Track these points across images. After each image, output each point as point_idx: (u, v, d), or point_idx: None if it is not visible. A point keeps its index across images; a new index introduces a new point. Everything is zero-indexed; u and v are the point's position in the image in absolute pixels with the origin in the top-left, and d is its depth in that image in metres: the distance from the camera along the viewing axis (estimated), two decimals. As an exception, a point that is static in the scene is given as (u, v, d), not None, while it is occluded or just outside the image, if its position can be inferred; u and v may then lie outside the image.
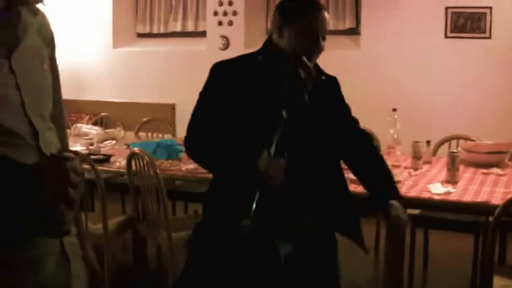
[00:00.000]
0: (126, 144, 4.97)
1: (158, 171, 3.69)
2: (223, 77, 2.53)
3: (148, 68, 7.12)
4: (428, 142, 4.29)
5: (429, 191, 3.41)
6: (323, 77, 2.64)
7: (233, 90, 2.48)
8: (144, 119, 6.03)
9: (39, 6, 1.56)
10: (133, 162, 3.84)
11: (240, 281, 2.48)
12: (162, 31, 7.42)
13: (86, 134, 5.33)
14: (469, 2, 5.78)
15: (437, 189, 3.41)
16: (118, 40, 7.41)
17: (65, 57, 5.50)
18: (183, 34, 7.28)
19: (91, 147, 4.77)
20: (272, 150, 2.32)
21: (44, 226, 1.40)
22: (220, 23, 6.81)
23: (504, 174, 3.88)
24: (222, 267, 2.48)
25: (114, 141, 5.18)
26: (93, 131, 5.53)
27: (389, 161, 4.21)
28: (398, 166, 4.11)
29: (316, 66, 2.62)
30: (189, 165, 3.98)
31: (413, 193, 3.40)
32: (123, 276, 4.38)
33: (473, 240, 4.11)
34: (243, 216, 2.32)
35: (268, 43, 2.59)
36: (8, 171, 1.35)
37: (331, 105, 2.65)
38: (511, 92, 5.67)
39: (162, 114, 6.48)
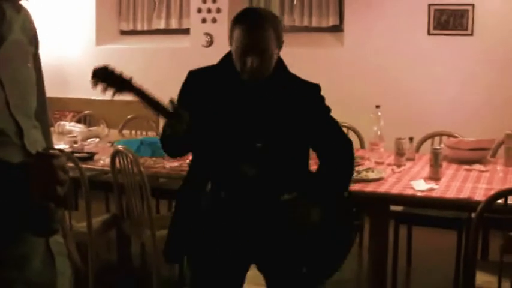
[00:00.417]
0: (110, 142, 4.95)
1: (142, 168, 3.68)
2: (192, 85, 2.62)
3: (132, 65, 7.05)
4: (411, 139, 4.30)
5: (412, 188, 3.42)
6: (287, 86, 2.58)
7: (199, 98, 2.56)
8: (128, 117, 6.00)
9: (22, 2, 1.55)
10: (117, 160, 3.83)
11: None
12: (145, 28, 7.39)
13: (70, 132, 5.30)
14: (452, -1, 5.82)
15: (420, 186, 3.43)
16: (101, 37, 7.37)
17: (48, 55, 5.44)
18: (167, 31, 7.26)
19: (75, 145, 4.74)
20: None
21: (33, 225, 1.40)
22: (204, 20, 6.80)
23: (486, 171, 3.91)
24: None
25: (97, 139, 5.15)
26: (77, 128, 5.50)
27: (373, 158, 4.25)
28: (381, 163, 4.13)
29: (288, 76, 2.60)
30: (173, 163, 3.97)
31: (396, 190, 3.42)
32: (107, 275, 4.37)
33: (456, 236, 4.14)
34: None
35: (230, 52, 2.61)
36: None
37: (299, 113, 2.57)
38: (493, 88, 5.71)
39: (146, 112, 6.37)
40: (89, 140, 5.07)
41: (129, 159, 3.73)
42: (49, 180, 1.34)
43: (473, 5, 5.73)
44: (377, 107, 4.39)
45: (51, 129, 1.86)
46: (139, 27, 7.43)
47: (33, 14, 1.65)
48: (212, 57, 2.75)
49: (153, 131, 5.87)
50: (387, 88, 5.98)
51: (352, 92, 6.02)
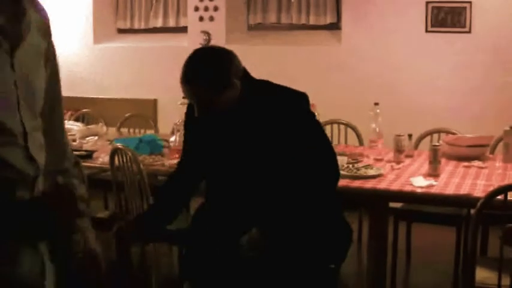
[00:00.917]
0: (108, 140, 4.95)
1: (141, 166, 3.68)
2: (187, 118, 2.81)
3: (130, 64, 7.09)
4: (410, 136, 4.31)
5: (411, 184, 3.43)
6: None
7: (192, 130, 2.79)
8: (126, 115, 6.00)
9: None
10: (116, 158, 3.83)
11: None
12: (143, 27, 7.37)
13: (68, 130, 5.28)
14: (449, -4, 5.82)
15: (419, 183, 3.43)
16: (99, 36, 7.36)
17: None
18: (164, 30, 7.25)
19: (73, 143, 4.74)
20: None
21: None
22: (201, 19, 6.79)
23: (485, 167, 3.92)
24: None
25: (96, 137, 5.15)
26: (75, 127, 5.49)
27: (372, 155, 4.25)
28: (380, 160, 4.14)
29: (256, 101, 2.57)
30: (171, 160, 3.97)
31: (395, 186, 3.42)
32: (106, 273, 4.36)
33: (456, 232, 4.14)
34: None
35: None
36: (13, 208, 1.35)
37: (271, 138, 2.54)
38: (491, 85, 5.72)
39: (144, 110, 6.45)
40: (87, 138, 5.07)
41: (128, 157, 3.73)
42: (70, 213, 1.34)
43: (470, 3, 5.73)
44: (376, 104, 4.40)
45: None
46: (136, 26, 7.42)
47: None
48: (210, 55, 2.75)
49: (152, 129, 5.87)
50: (385, 85, 5.98)
51: (351, 90, 6.01)
